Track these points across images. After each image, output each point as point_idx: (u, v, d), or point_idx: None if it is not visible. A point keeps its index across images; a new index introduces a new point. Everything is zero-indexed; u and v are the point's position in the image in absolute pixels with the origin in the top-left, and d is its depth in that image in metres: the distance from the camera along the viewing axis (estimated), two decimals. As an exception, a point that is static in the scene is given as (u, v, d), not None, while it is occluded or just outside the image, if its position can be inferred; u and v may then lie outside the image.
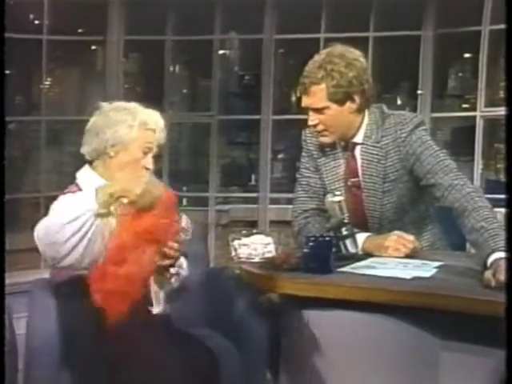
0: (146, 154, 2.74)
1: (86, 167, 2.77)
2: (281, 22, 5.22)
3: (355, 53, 2.83)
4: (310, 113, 2.83)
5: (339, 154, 2.93)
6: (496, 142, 5.28)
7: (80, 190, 2.70)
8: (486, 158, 5.16)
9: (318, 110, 2.81)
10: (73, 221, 2.38)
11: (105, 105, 2.80)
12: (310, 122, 2.85)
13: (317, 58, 2.83)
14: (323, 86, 2.76)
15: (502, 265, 2.30)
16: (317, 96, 2.78)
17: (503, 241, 2.44)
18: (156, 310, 2.72)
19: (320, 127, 2.84)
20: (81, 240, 2.39)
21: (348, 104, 2.80)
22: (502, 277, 2.25)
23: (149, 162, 2.75)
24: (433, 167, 2.75)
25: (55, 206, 2.59)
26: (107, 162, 2.73)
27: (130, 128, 2.70)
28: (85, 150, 2.75)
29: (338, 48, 2.84)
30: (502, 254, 2.37)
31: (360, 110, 2.84)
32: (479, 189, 2.82)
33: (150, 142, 2.74)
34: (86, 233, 2.39)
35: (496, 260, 2.37)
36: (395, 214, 2.89)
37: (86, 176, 2.75)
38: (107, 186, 2.51)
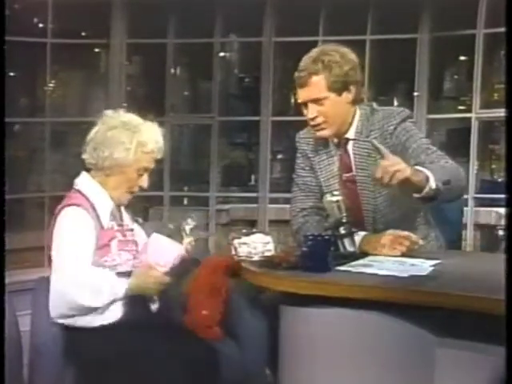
0: (141, 175, 2.76)
1: (85, 174, 2.78)
2: (280, 25, 5.21)
3: (346, 49, 2.91)
4: (309, 105, 2.87)
5: (332, 151, 2.97)
6: (491, 143, 5.28)
7: (89, 201, 2.71)
8: (481, 158, 5.15)
9: (317, 102, 2.85)
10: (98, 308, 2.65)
11: (108, 114, 2.79)
12: (310, 115, 2.88)
13: (311, 53, 2.89)
14: (322, 76, 2.82)
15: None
16: (316, 87, 2.84)
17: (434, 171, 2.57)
18: (155, 306, 2.78)
19: (319, 119, 2.88)
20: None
21: (345, 94, 2.87)
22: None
23: (144, 181, 2.77)
24: (414, 150, 2.81)
25: (68, 237, 2.67)
26: (103, 178, 2.75)
27: (127, 151, 2.70)
28: (85, 157, 2.77)
29: (331, 44, 2.95)
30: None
31: (354, 102, 2.90)
32: (459, 167, 2.86)
33: (147, 164, 2.76)
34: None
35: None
36: (388, 207, 2.93)
37: (88, 185, 2.76)
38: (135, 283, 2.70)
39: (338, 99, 2.86)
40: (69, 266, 2.62)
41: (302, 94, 2.88)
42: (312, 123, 2.92)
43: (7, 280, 2.56)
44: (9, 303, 2.59)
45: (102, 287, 2.62)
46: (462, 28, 4.96)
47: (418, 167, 2.57)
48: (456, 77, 5.45)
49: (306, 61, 2.87)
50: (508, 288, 2.07)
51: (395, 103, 5.40)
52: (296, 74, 2.88)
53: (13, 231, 4.45)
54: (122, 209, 2.85)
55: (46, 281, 2.75)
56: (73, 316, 2.63)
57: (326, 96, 2.84)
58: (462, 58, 5.34)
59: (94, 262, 2.68)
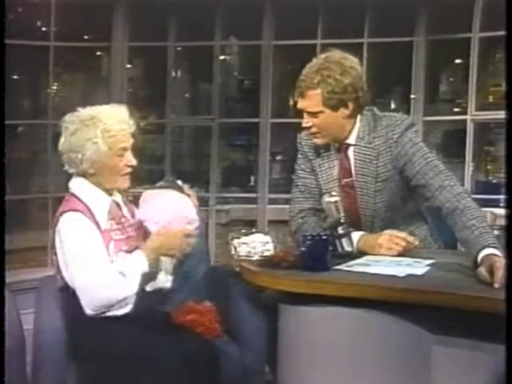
0: (122, 156, 2.73)
1: (77, 177, 2.75)
2: (279, 29, 5.24)
3: (352, 60, 2.86)
4: (305, 115, 2.86)
5: (333, 155, 2.97)
6: (486, 144, 5.30)
7: (84, 204, 2.69)
8: (477, 159, 5.17)
9: (313, 114, 2.84)
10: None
11: (67, 120, 2.73)
12: (304, 124, 2.88)
13: (314, 62, 2.85)
14: (318, 91, 2.80)
15: (496, 260, 2.34)
16: (312, 100, 2.81)
17: (492, 238, 2.48)
18: (168, 282, 2.81)
19: (313, 129, 2.87)
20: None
21: (341, 110, 2.83)
22: (500, 272, 2.27)
23: (129, 159, 2.74)
24: (422, 168, 2.80)
25: (73, 241, 2.63)
26: (90, 177, 2.73)
27: (96, 145, 2.66)
28: (66, 168, 2.75)
29: (336, 54, 2.86)
30: (492, 250, 2.42)
31: (353, 116, 2.87)
32: (467, 190, 2.87)
33: (121, 145, 2.72)
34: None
35: (487, 256, 2.41)
36: (387, 212, 2.93)
37: (81, 187, 2.74)
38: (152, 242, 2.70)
39: (333, 114, 2.84)
40: (93, 279, 2.60)
41: (300, 103, 2.88)
42: (307, 131, 2.95)
43: (12, 279, 2.60)
44: (13, 302, 2.63)
45: (126, 277, 2.62)
46: (458, 31, 5.00)
47: (489, 253, 2.45)
48: (452, 79, 5.46)
49: (307, 70, 2.85)
50: (508, 288, 2.10)
51: (392, 105, 5.43)
52: (297, 81, 2.86)
53: (17, 231, 4.50)
54: (121, 202, 2.83)
55: (50, 280, 2.77)
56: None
57: (321, 110, 2.83)
58: (458, 61, 5.35)
59: None
